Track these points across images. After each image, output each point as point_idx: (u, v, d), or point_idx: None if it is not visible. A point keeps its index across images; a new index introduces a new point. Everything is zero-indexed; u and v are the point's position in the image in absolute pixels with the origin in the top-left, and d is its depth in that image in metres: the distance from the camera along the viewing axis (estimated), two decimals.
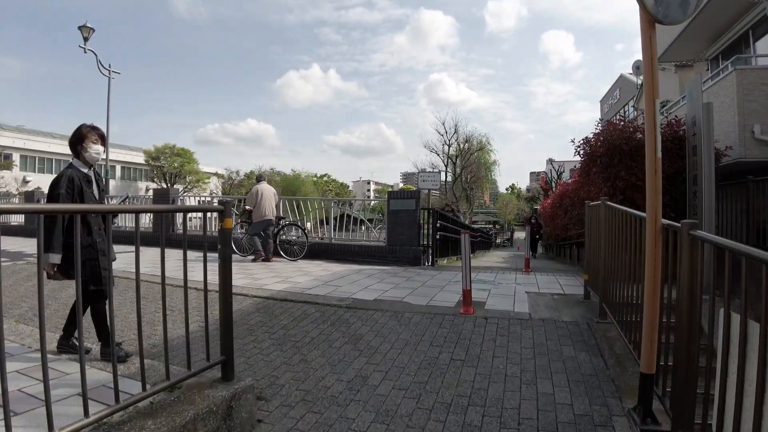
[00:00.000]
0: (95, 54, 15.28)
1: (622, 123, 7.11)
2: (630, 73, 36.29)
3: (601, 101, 42.66)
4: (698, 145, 6.17)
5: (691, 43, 10.84)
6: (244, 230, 9.62)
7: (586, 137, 7.52)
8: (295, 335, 4.38)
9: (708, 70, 10.55)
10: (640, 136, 6.82)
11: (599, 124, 7.78)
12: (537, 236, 18.12)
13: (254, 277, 7.06)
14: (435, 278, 7.20)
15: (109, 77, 15.78)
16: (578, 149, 7.68)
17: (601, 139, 6.96)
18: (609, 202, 4.34)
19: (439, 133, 42.38)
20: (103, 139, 3.27)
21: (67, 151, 3.27)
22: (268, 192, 9.01)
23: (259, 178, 9.44)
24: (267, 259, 8.84)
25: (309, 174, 74.19)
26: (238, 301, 5.59)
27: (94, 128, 3.25)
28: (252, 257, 9.07)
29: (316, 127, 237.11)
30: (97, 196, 3.25)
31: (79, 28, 14.70)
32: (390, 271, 7.86)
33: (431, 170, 9.11)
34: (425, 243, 9.12)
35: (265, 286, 6.31)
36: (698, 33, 10.34)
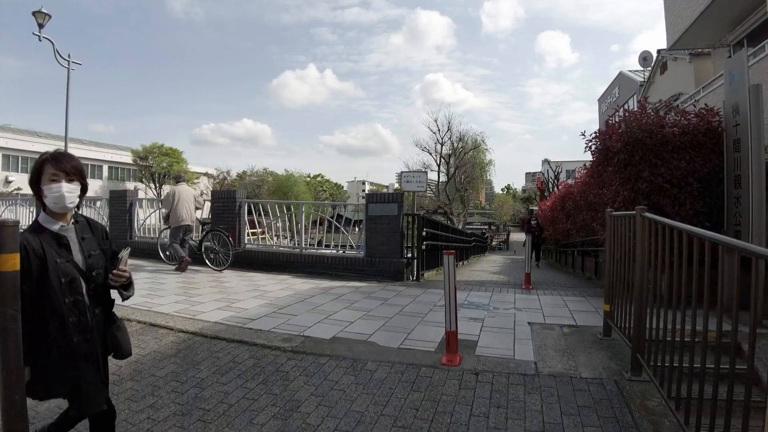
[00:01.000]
0: (52, 42, 13.92)
1: (646, 111, 5.84)
2: (630, 71, 35.27)
3: (599, 100, 41.51)
4: (742, 138, 4.93)
5: (710, 27, 9.63)
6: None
7: (599, 129, 6.27)
8: (209, 399, 3.11)
9: (730, 56, 9.33)
10: (668, 130, 5.59)
11: (615, 115, 6.51)
12: (538, 241, 15.02)
13: (194, 298, 5.78)
14: (417, 300, 5.94)
15: (68, 68, 14.43)
16: (589, 144, 6.43)
17: (620, 130, 5.71)
18: (651, 215, 3.09)
19: (431, 131, 41.06)
20: (71, 174, 1.93)
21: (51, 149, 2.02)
22: (186, 194, 8.18)
23: (178, 179, 8.53)
24: (181, 268, 7.94)
25: (301, 174, 72.73)
26: (159, 337, 4.34)
27: (54, 159, 1.94)
28: (177, 266, 8.12)
29: (312, 127, 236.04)
30: (82, 264, 1.98)
31: (34, 13, 13.35)
32: (364, 290, 6.60)
33: (416, 170, 7.81)
34: (409, 254, 7.86)
35: (200, 313, 5.03)
36: (718, 16, 9.14)
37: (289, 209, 9.02)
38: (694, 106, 6.05)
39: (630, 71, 35.08)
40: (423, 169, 8.56)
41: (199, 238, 8.73)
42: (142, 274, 7.61)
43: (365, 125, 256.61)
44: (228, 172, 71.90)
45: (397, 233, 7.62)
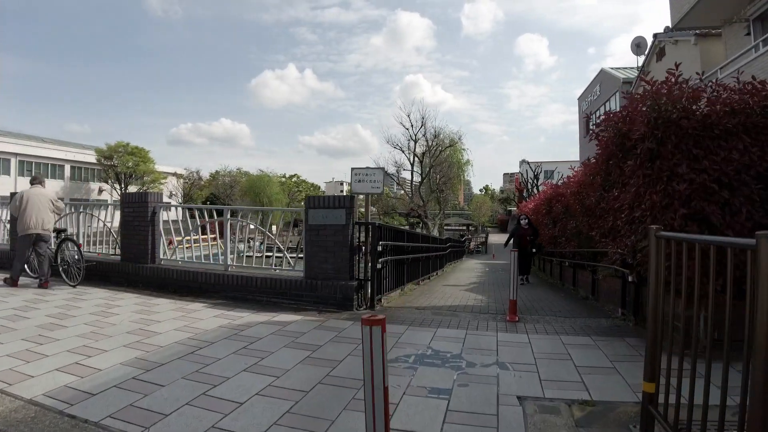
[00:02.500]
0: None
1: (678, 82, 4.12)
2: (612, 68, 34.23)
3: (579, 98, 40.46)
4: None
5: (719, 4, 8.13)
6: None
7: (609, 111, 4.60)
8: None
9: (749, 34, 7.83)
10: (710, 109, 3.95)
11: (633, 86, 4.81)
12: (531, 248, 11.07)
13: (43, 342, 3.92)
14: (361, 349, 4.20)
15: None
16: (597, 132, 4.77)
17: (644, 108, 4.03)
18: None
19: (404, 126, 39.10)
20: None
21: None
22: (37, 198, 6.97)
23: (33, 180, 7.31)
24: (43, 285, 6.84)
25: (276, 174, 70.26)
26: None
27: None
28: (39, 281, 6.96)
29: (291, 128, 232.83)
30: None
31: None
32: (292, 331, 4.80)
33: (367, 167, 6.16)
34: (362, 276, 6.11)
35: (24, 379, 3.20)
36: None
37: (233, 214, 7.09)
38: (737, 80, 4.41)
39: (611, 68, 34.04)
40: (379, 166, 6.99)
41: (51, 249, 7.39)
42: None
43: (345, 126, 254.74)
44: (198, 172, 69.28)
45: (345, 248, 5.85)
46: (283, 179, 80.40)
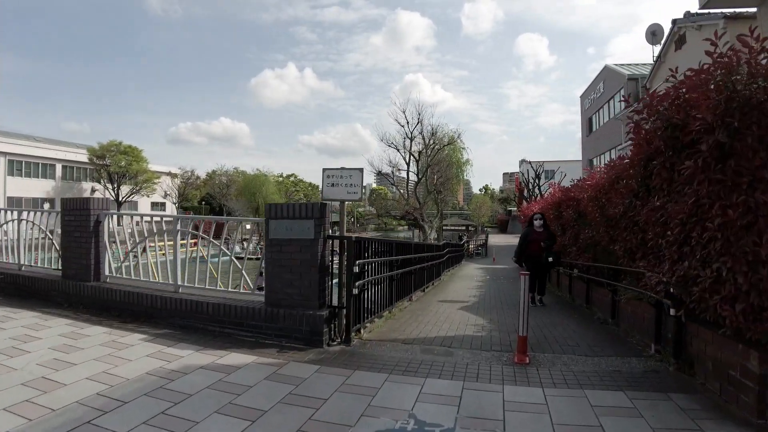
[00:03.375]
0: None
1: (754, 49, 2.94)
2: (616, 65, 33.05)
3: (581, 96, 39.35)
4: None
5: None
6: None
7: (655, 92, 3.45)
8: None
9: None
10: None
11: (648, 79, 3.63)
12: (548, 258, 8.45)
13: None
14: (322, 416, 3.06)
15: None
16: (636, 122, 3.63)
17: (713, 84, 2.88)
18: None
19: (399, 123, 35.90)
20: None
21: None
22: None
23: None
24: None
25: (272, 173, 68.85)
26: None
27: None
28: None
29: (291, 127, 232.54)
30: None
31: None
32: (235, 384, 3.66)
33: (342, 167, 4.93)
34: (335, 303, 4.98)
35: None
36: None
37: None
38: None
39: (616, 65, 32.85)
40: (357, 168, 5.81)
41: None
42: None
43: (345, 125, 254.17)
44: (193, 172, 68.03)
45: (313, 268, 4.71)
46: (281, 179, 79.07)
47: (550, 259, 8.46)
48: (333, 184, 5.30)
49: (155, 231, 6.16)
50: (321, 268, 4.75)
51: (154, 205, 59.68)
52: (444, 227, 41.76)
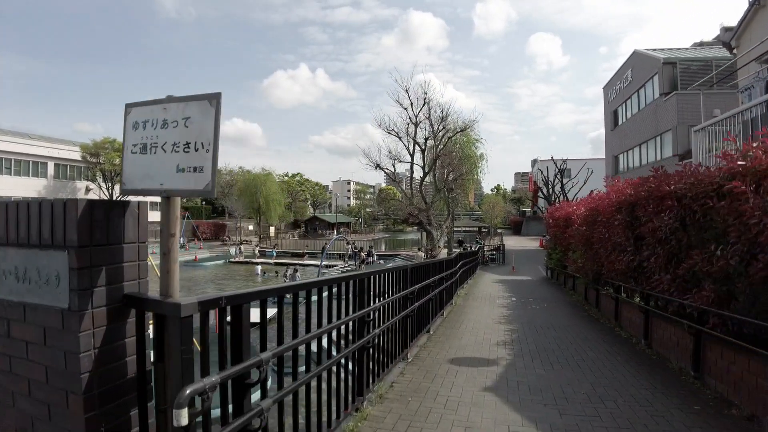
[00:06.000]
0: None
1: None
2: (647, 49, 29.37)
3: (604, 88, 35.70)
4: None
5: None
6: None
7: None
8: None
9: None
10: None
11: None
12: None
13: None
14: None
15: None
16: None
17: None
18: None
19: (401, 105, 26.44)
20: None
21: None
22: None
23: None
24: None
25: (276, 172, 65.72)
26: None
27: None
28: None
29: (302, 128, 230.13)
30: None
31: None
32: None
33: (168, 96, 1.97)
34: None
35: None
36: None
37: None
38: None
39: (647, 49, 29.28)
40: (201, 95, 2.57)
41: None
42: None
43: (355, 126, 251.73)
44: None
45: (75, 401, 1.54)
46: (285, 178, 75.94)
47: None
48: (146, 148, 2.02)
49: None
50: (101, 398, 1.56)
51: (154, 205, 57.21)
52: (455, 229, 37.83)
